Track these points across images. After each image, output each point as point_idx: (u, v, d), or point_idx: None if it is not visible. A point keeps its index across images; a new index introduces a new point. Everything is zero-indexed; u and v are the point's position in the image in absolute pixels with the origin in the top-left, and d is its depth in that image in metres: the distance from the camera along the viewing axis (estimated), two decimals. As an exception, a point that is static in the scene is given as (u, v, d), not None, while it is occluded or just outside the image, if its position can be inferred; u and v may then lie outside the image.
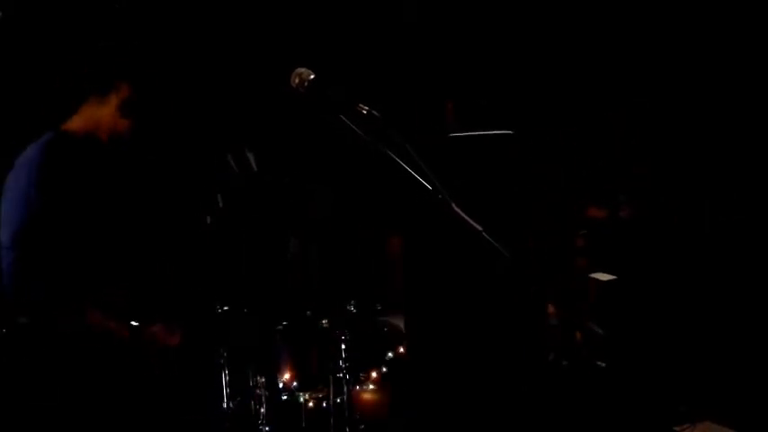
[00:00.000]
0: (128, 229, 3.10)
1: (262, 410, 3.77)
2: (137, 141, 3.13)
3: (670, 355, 4.60)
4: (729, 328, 4.79)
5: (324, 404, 3.87)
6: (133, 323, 2.89)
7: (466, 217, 2.22)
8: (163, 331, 2.92)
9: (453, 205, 2.22)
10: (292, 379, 3.91)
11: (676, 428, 4.13)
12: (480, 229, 2.22)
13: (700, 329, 4.83)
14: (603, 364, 3.55)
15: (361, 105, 2.30)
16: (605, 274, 3.88)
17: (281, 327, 4.01)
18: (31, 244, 2.87)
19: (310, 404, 3.91)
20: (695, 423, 4.15)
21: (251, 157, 3.43)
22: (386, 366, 4.04)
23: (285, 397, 3.90)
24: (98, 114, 3.14)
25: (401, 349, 4.12)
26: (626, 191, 4.18)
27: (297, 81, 2.39)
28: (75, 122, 3.16)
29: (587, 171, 4.91)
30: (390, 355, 4.09)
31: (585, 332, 3.28)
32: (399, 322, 4.11)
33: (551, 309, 3.64)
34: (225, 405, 3.69)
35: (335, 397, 3.83)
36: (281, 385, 3.90)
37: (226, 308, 3.74)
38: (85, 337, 2.83)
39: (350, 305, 4.00)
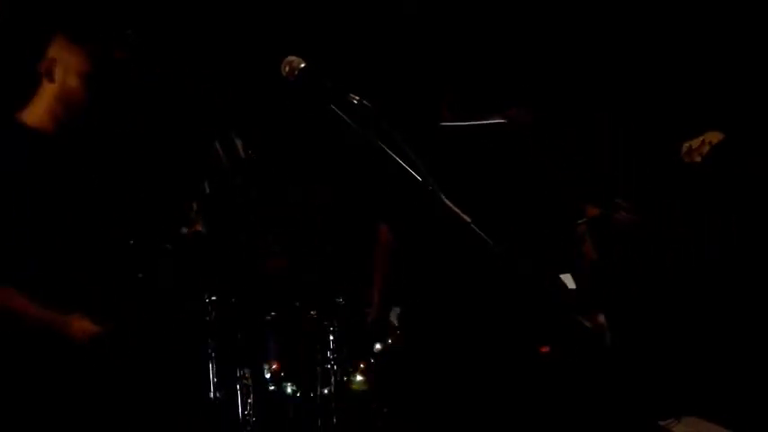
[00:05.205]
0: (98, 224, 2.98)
1: (248, 401, 3.75)
2: (114, 129, 3.03)
3: (660, 353, 4.57)
4: (723, 327, 4.76)
5: (311, 395, 3.86)
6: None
7: (455, 208, 2.20)
8: (79, 321, 2.76)
9: (443, 197, 2.20)
10: (279, 370, 3.90)
11: (662, 423, 4.11)
12: (469, 220, 2.20)
13: (694, 329, 4.79)
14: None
15: (352, 95, 2.27)
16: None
17: (269, 317, 3.99)
18: None
19: (297, 395, 3.89)
20: (681, 417, 4.13)
21: (238, 143, 3.40)
22: (374, 358, 4.03)
23: (272, 388, 3.89)
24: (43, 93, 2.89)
25: (390, 341, 4.10)
26: (625, 194, 4.07)
27: (287, 69, 2.35)
28: (27, 113, 2.94)
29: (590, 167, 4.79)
30: (379, 346, 4.07)
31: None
32: (389, 314, 4.09)
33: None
34: (211, 395, 3.67)
35: (323, 388, 3.82)
36: (267, 376, 3.89)
37: (213, 297, 3.71)
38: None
39: (339, 297, 3.98)
